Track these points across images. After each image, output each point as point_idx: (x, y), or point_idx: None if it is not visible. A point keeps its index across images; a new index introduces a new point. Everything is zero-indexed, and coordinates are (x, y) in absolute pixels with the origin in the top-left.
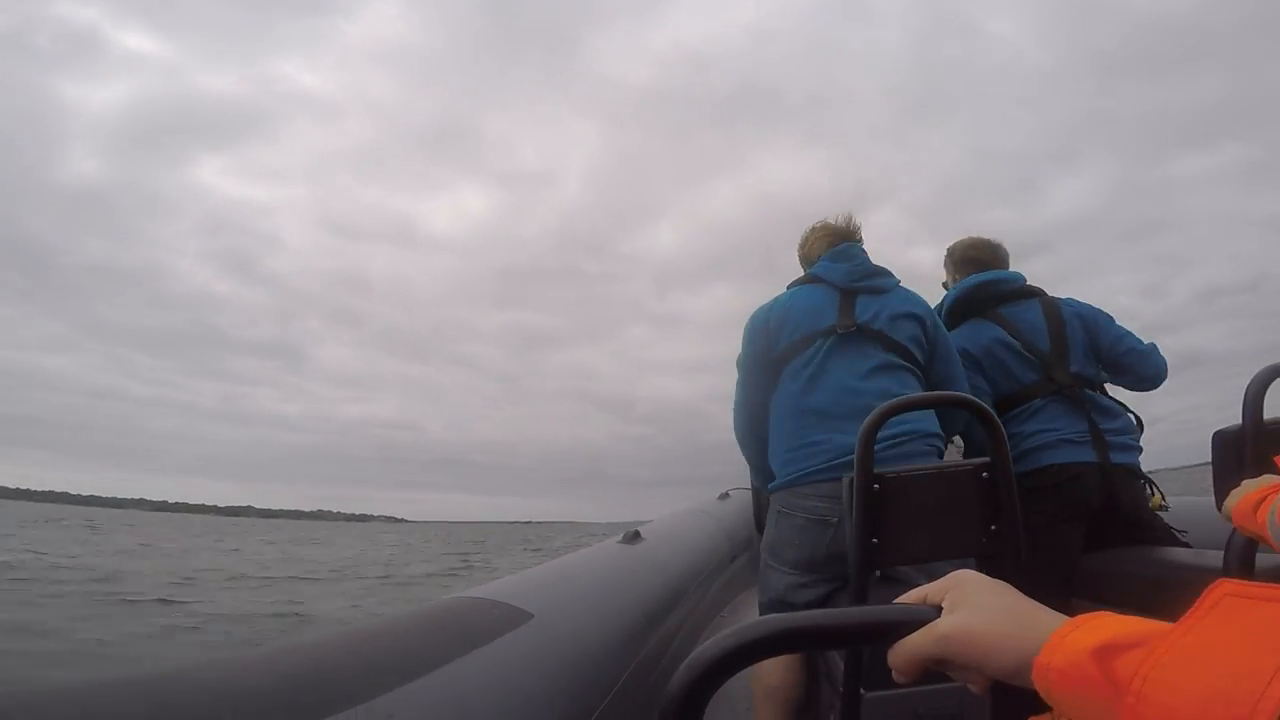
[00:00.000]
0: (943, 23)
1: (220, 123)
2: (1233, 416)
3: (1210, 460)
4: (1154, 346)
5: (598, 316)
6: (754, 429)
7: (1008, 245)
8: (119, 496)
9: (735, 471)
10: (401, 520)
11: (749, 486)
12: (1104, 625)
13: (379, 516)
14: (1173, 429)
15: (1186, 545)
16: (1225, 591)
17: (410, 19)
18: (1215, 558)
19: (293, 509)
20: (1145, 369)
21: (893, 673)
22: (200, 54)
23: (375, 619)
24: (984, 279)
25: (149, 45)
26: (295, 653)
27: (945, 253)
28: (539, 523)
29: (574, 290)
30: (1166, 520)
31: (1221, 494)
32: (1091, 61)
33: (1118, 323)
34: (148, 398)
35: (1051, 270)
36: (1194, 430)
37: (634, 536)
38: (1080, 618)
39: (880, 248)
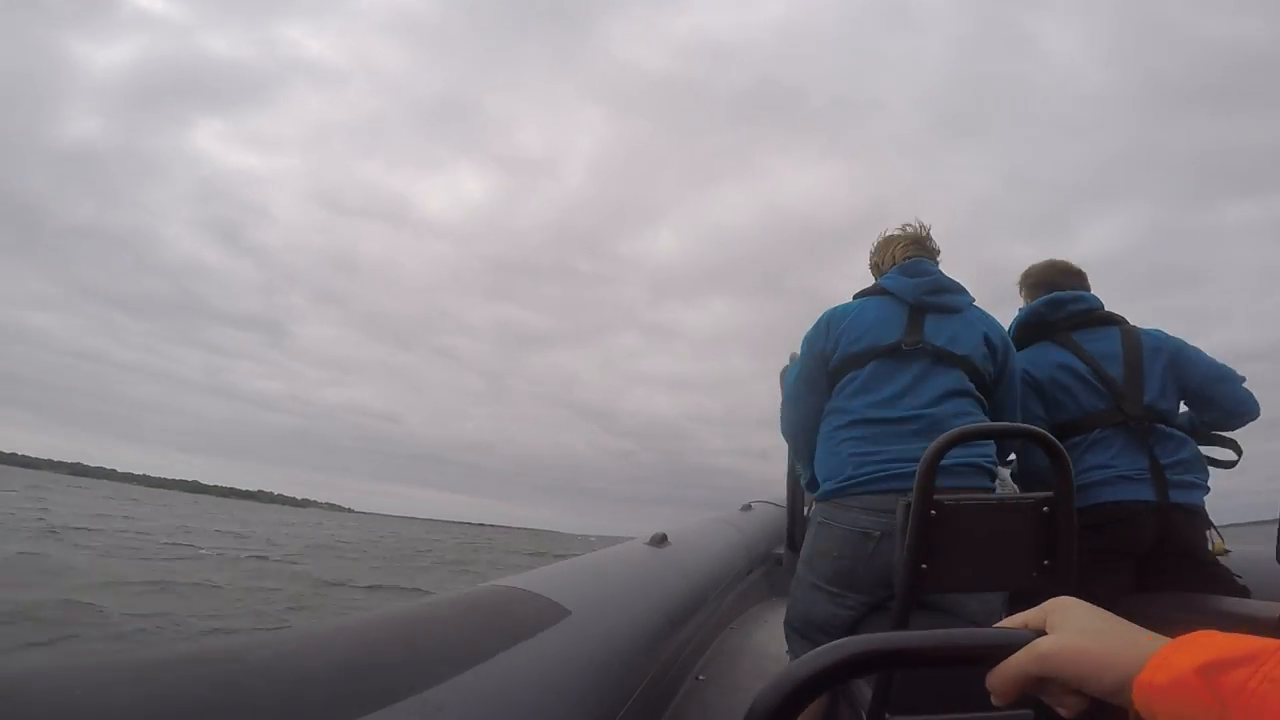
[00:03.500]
0: (992, 32)
1: (221, 86)
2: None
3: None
4: (1243, 381)
5: (588, 319)
6: (805, 424)
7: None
8: (53, 459)
9: (717, 496)
10: (346, 510)
11: (772, 500)
12: (1210, 643)
13: (323, 503)
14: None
15: (1245, 591)
16: None
17: None
18: (1276, 609)
19: (230, 486)
20: (1229, 403)
21: (991, 696)
22: (208, 14)
23: (419, 605)
24: (1054, 298)
25: (158, 4)
26: (348, 636)
27: (1020, 276)
28: (498, 526)
29: (565, 289)
30: (1226, 564)
31: None
32: (1150, 88)
33: (1208, 355)
34: (130, 362)
35: None
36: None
37: (661, 539)
38: (1185, 637)
39: None
